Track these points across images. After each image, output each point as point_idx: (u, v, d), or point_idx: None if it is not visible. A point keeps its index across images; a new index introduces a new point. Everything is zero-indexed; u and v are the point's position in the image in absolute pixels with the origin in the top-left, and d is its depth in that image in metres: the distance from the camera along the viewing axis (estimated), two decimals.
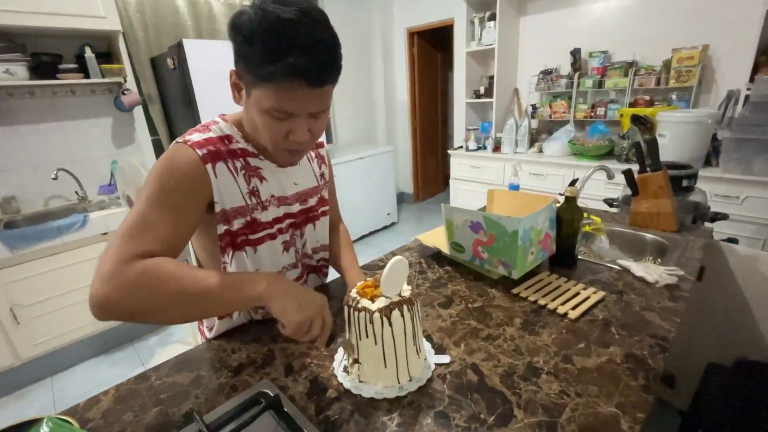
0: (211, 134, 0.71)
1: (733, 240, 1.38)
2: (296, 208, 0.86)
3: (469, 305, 0.91)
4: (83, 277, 2.06)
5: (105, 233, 2.08)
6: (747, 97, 1.98)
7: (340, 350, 0.75)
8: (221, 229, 0.75)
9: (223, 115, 0.77)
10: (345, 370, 0.69)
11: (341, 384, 0.68)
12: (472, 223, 0.98)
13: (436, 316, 0.87)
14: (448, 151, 3.44)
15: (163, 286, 0.57)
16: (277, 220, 0.82)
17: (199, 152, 0.67)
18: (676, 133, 2.09)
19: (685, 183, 1.39)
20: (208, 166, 0.68)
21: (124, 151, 2.53)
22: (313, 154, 0.92)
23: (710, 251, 1.28)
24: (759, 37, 1.97)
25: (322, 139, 0.94)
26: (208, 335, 0.88)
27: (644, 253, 1.26)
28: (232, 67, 0.65)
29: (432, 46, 4.34)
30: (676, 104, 2.41)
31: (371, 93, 4.28)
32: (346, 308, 0.65)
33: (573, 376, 0.67)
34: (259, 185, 0.77)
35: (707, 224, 1.42)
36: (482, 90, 3.35)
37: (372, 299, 0.65)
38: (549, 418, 0.59)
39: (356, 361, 0.67)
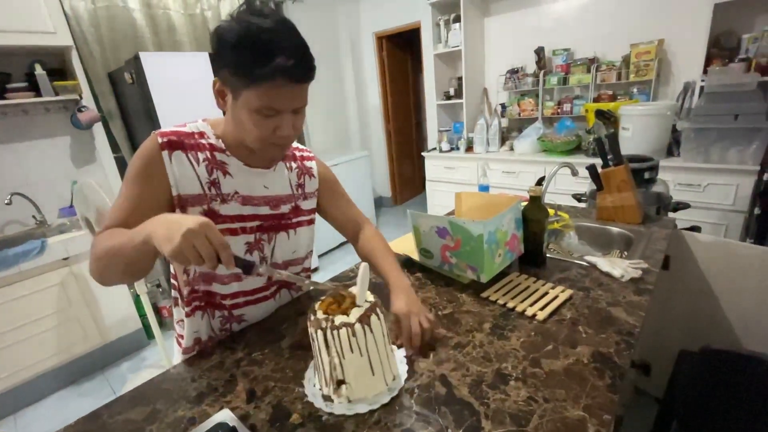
0: (184, 129, 0.78)
1: (695, 228, 1.42)
2: (264, 210, 0.86)
3: (439, 312, 0.90)
4: (44, 307, 1.95)
5: (66, 258, 1.98)
6: (702, 88, 2.06)
7: (309, 374, 0.72)
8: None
9: (206, 119, 0.83)
10: (327, 398, 0.65)
11: (306, 407, 0.65)
12: (438, 228, 0.97)
13: None
14: (423, 154, 3.45)
15: (97, 251, 0.68)
16: (241, 217, 0.83)
17: (160, 140, 0.74)
18: (638, 126, 2.15)
19: (647, 175, 1.43)
20: (164, 153, 0.74)
21: (85, 170, 2.42)
22: (294, 165, 0.93)
23: (674, 240, 1.31)
24: (709, 30, 2.05)
25: (312, 153, 0.99)
26: (182, 343, 0.91)
27: (612, 246, 1.28)
28: (213, 77, 0.73)
29: (401, 49, 4.36)
30: (637, 98, 2.48)
31: (343, 99, 4.26)
32: (319, 333, 0.62)
33: (541, 380, 0.66)
34: (222, 178, 0.80)
35: (671, 214, 1.46)
36: (452, 91, 3.37)
37: (344, 313, 0.63)
38: (516, 427, 0.58)
39: (341, 382, 0.64)
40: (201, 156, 0.77)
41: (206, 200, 0.78)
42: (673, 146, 2.24)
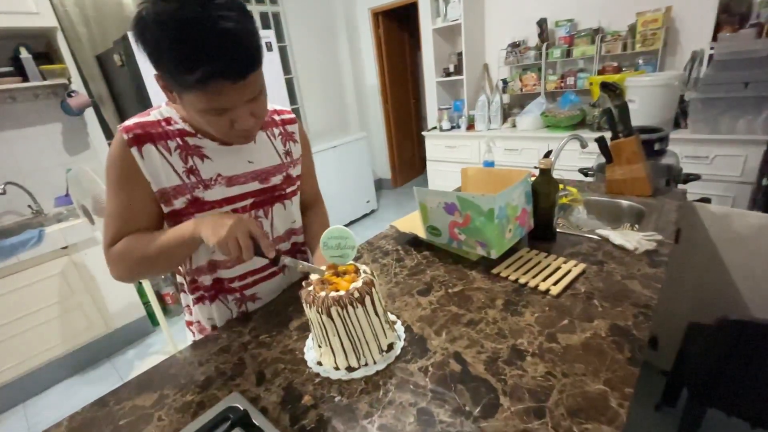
0: (149, 118, 0.73)
1: (705, 200, 1.39)
2: (254, 186, 0.83)
3: (449, 290, 0.87)
4: (46, 296, 1.93)
5: (65, 247, 1.96)
6: (711, 56, 1.99)
7: (309, 345, 0.73)
8: (166, 209, 0.75)
9: (169, 102, 0.76)
10: (349, 368, 0.66)
11: (317, 388, 0.64)
12: (446, 204, 0.94)
13: (416, 304, 0.83)
14: (423, 133, 3.39)
15: (133, 259, 0.73)
16: (229, 200, 0.80)
17: (126, 136, 0.69)
18: (645, 98, 2.09)
19: (657, 146, 1.39)
20: (134, 149, 0.70)
21: (78, 157, 2.37)
22: (276, 131, 0.88)
23: (684, 213, 1.28)
24: None
25: (293, 115, 0.93)
26: (196, 333, 0.93)
27: (622, 220, 1.26)
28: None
29: (398, 25, 4.22)
30: (643, 68, 2.41)
31: (339, 79, 4.16)
32: (334, 311, 0.61)
33: (558, 355, 0.64)
34: (200, 164, 0.76)
35: (680, 186, 1.42)
36: (452, 68, 3.28)
37: (336, 287, 0.65)
38: (536, 403, 0.56)
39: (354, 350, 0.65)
40: (172, 144, 0.72)
41: (188, 190, 0.75)
42: (680, 117, 2.18)
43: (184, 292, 0.90)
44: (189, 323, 0.95)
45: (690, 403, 1.10)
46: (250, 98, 0.65)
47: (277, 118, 0.89)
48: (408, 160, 4.88)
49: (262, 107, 0.70)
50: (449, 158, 3.22)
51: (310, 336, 0.75)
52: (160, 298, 2.52)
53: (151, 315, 2.38)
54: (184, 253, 0.76)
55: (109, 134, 2.46)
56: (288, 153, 0.89)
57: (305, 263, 0.73)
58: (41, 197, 2.22)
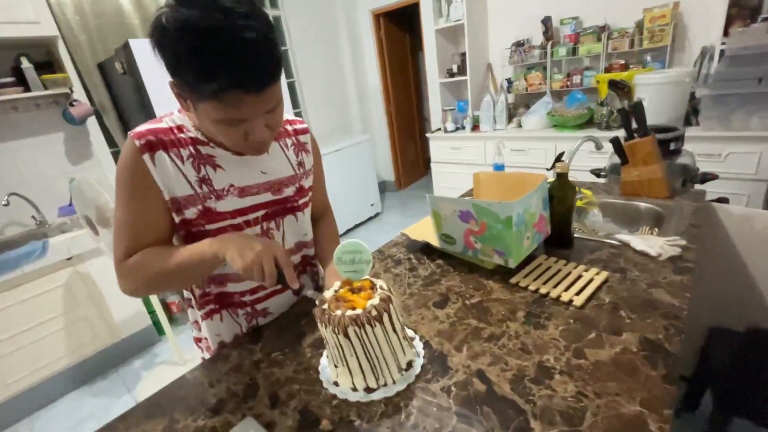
0: (161, 125, 0.71)
1: (723, 200, 1.35)
2: (266, 198, 0.80)
3: (467, 302, 0.84)
4: (51, 308, 1.91)
5: (69, 258, 1.94)
6: (722, 52, 1.95)
7: (324, 364, 0.69)
8: (177, 218, 0.73)
9: (181, 109, 0.75)
10: (367, 389, 0.62)
11: (335, 411, 0.60)
12: (461, 212, 0.90)
13: (433, 317, 0.80)
14: (427, 135, 3.36)
15: (149, 275, 0.70)
16: (241, 211, 0.77)
17: (137, 143, 0.67)
18: (654, 95, 2.05)
19: (672, 146, 1.35)
20: (146, 156, 0.67)
21: (81, 167, 2.35)
22: (289, 142, 0.85)
23: (704, 214, 1.25)
24: None
25: (306, 125, 0.90)
26: (204, 351, 0.91)
27: (639, 223, 1.22)
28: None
29: (399, 27, 4.20)
30: (651, 65, 2.37)
31: (341, 81, 4.13)
32: (351, 330, 0.58)
33: (588, 372, 0.61)
34: (213, 173, 0.73)
35: (697, 186, 1.39)
36: (455, 68, 3.25)
37: (353, 305, 0.61)
38: (569, 427, 0.53)
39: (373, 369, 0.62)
40: (184, 153, 0.70)
41: (200, 200, 0.72)
42: (690, 115, 2.14)
43: (192, 307, 0.88)
44: (197, 339, 0.92)
45: (716, 411, 1.06)
46: (268, 110, 0.63)
47: (289, 128, 0.86)
48: (411, 162, 4.84)
49: (278, 119, 0.68)
50: (454, 160, 3.18)
51: (325, 353, 0.72)
52: (166, 307, 2.50)
53: (157, 324, 2.36)
54: (202, 273, 0.75)
55: (112, 143, 2.45)
56: (301, 164, 0.86)
57: (327, 294, 0.69)
58: (44, 207, 2.21)
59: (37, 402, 1.94)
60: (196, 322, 0.89)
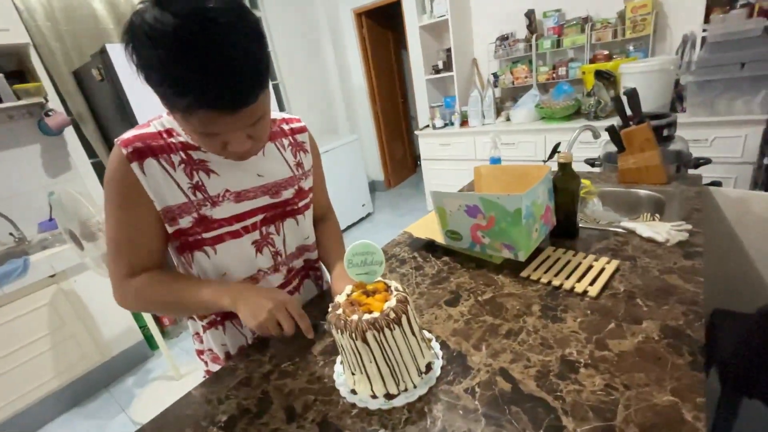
0: (149, 129, 0.67)
1: (716, 183, 1.37)
2: (264, 201, 0.76)
3: (479, 298, 0.82)
4: (36, 328, 1.82)
5: (53, 275, 1.85)
6: (704, 39, 1.99)
7: (339, 371, 0.66)
8: (171, 229, 0.70)
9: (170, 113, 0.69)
10: (388, 395, 0.59)
11: (355, 421, 0.57)
12: (468, 207, 0.88)
13: (447, 317, 0.78)
14: (415, 132, 3.34)
15: (154, 301, 0.71)
16: (239, 217, 0.73)
17: (124, 151, 0.63)
18: (640, 84, 2.06)
19: (666, 132, 1.36)
20: (134, 165, 0.64)
21: (61, 179, 2.25)
22: (286, 142, 0.81)
23: (701, 197, 1.26)
24: None
25: (303, 123, 0.86)
26: (210, 363, 0.87)
27: (639, 209, 1.22)
28: None
29: (382, 25, 4.17)
30: (635, 55, 2.40)
31: (326, 82, 4.09)
32: (370, 335, 0.55)
33: (614, 364, 0.59)
34: (206, 179, 0.70)
35: (691, 171, 1.40)
36: (440, 64, 3.24)
37: (369, 308, 0.59)
38: (603, 422, 0.51)
39: (393, 375, 0.59)
40: (175, 159, 0.66)
41: (194, 208, 0.69)
42: (676, 102, 2.18)
43: (192, 318, 0.83)
44: (200, 352, 0.87)
45: (725, 393, 1.07)
46: (248, 125, 0.59)
47: (285, 127, 0.83)
48: (399, 160, 4.83)
49: (263, 129, 0.64)
50: (444, 156, 3.18)
51: (338, 360, 0.69)
52: (158, 320, 2.42)
53: (149, 339, 2.28)
54: (207, 312, 0.78)
55: (91, 153, 2.35)
56: (299, 164, 0.83)
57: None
58: (23, 224, 2.10)
59: (26, 427, 1.85)
60: (197, 334, 0.85)
